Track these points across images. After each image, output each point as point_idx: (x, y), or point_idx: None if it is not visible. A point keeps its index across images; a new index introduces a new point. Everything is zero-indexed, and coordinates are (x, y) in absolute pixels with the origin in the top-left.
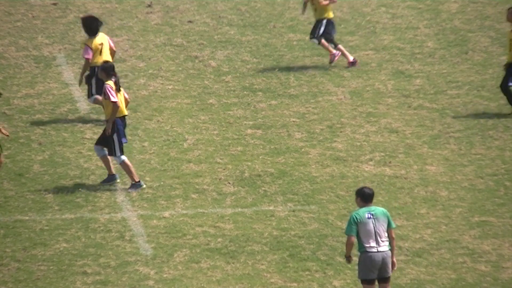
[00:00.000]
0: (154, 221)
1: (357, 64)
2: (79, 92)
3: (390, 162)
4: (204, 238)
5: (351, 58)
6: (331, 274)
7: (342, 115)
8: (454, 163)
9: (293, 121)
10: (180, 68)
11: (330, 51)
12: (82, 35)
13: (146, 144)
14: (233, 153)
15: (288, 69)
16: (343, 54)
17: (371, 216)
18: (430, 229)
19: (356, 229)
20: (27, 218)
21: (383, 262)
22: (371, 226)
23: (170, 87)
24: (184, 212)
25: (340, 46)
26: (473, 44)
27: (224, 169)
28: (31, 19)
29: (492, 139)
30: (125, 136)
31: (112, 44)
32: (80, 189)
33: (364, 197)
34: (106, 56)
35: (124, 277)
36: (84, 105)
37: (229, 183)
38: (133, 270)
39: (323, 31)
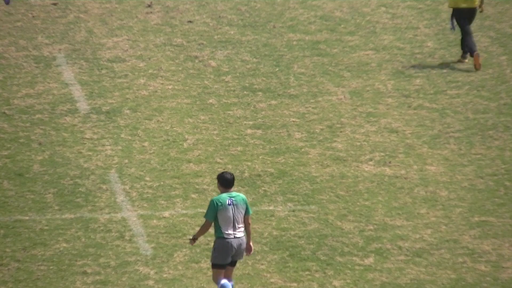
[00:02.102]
0: (154, 221)
1: None
2: (79, 92)
3: (390, 162)
4: (204, 238)
5: None
6: (331, 274)
7: (342, 115)
8: (454, 163)
9: (293, 121)
10: (180, 68)
11: None
12: (82, 35)
13: (146, 144)
14: (233, 153)
15: (288, 69)
16: None
17: (231, 203)
18: (430, 229)
19: (216, 214)
20: (27, 218)
21: (238, 248)
22: (231, 212)
23: (170, 87)
24: (184, 212)
25: None
26: None
27: (224, 169)
28: (31, 19)
29: (492, 139)
30: None
31: None
32: (80, 189)
33: (225, 182)
34: None
35: (124, 277)
36: (84, 105)
37: None
38: (133, 270)
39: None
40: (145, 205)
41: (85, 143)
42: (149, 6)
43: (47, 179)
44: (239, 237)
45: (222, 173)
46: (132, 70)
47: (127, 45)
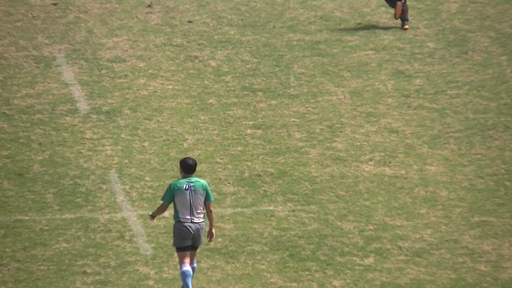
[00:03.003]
0: (154, 221)
1: None
2: (79, 92)
3: (390, 162)
4: (204, 238)
5: None
6: (331, 274)
7: (342, 115)
8: (454, 163)
9: (293, 121)
10: (180, 68)
11: None
12: (82, 35)
13: (146, 144)
14: (233, 153)
15: (288, 69)
16: None
17: (189, 188)
18: (430, 229)
19: (173, 198)
20: (27, 218)
21: (196, 233)
22: (188, 197)
23: (170, 87)
24: None
25: None
26: (473, 44)
27: (224, 169)
28: (31, 19)
29: (492, 139)
30: None
31: None
32: (80, 189)
33: (186, 167)
34: None
35: (124, 277)
36: (84, 105)
37: (229, 183)
38: (133, 270)
39: None
40: (145, 205)
41: (85, 143)
42: (149, 6)
43: (47, 179)
44: (197, 222)
45: (185, 158)
46: (132, 70)
47: (127, 45)
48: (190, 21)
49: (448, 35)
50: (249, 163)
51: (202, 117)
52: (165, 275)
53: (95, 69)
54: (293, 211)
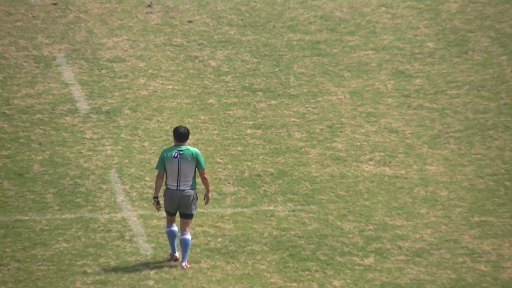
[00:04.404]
0: (154, 221)
1: None
2: (79, 92)
3: (390, 162)
4: (204, 238)
5: None
6: (331, 274)
7: (342, 115)
8: (454, 163)
9: (293, 121)
10: (180, 68)
11: None
12: (82, 35)
13: (146, 144)
14: (233, 153)
15: (288, 69)
16: None
17: (178, 156)
18: (430, 229)
19: (164, 165)
20: (27, 218)
21: (183, 200)
22: (176, 165)
23: (170, 87)
24: None
25: None
26: (473, 44)
27: (224, 169)
28: (31, 19)
29: (492, 139)
30: None
31: None
32: (80, 189)
33: (177, 135)
34: None
35: (124, 277)
36: (84, 105)
37: (229, 183)
38: (133, 270)
39: None
40: (145, 205)
41: (85, 143)
42: (149, 6)
43: (47, 179)
44: (182, 189)
45: (177, 127)
46: (132, 70)
47: (127, 45)
48: (190, 21)
49: (448, 35)
50: (249, 163)
51: (202, 117)
52: (165, 275)
53: (95, 69)
54: (293, 211)
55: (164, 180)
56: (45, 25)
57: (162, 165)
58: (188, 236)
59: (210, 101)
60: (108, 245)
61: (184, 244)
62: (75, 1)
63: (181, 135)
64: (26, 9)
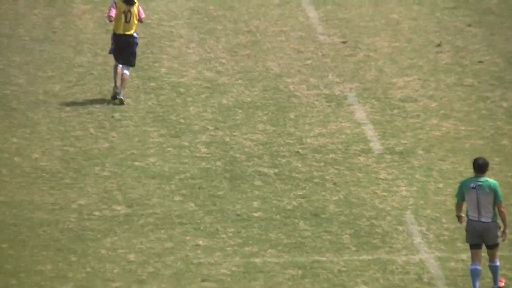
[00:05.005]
0: (452, 263)
1: None
2: (371, 132)
3: None
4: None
5: None
6: None
7: None
8: None
9: None
10: (472, 109)
11: None
12: (372, 73)
13: (441, 185)
14: None
15: None
16: None
17: (476, 186)
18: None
19: (463, 195)
20: (324, 259)
21: (484, 232)
22: (474, 196)
23: (462, 127)
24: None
25: None
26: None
27: None
28: (320, 57)
29: None
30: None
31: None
32: (376, 230)
33: (476, 167)
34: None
35: None
36: (377, 145)
37: None
38: None
39: None
40: (442, 247)
41: (380, 184)
42: (438, 45)
43: (343, 219)
44: (483, 222)
45: (477, 158)
46: (424, 110)
47: (418, 85)
48: (480, 61)
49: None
50: None
51: (496, 159)
52: None
53: (387, 109)
54: None
55: (465, 211)
56: (335, 63)
57: (461, 195)
58: (497, 263)
59: (503, 142)
60: (407, 287)
61: (494, 271)
62: (364, 40)
63: (480, 166)
64: (315, 47)
